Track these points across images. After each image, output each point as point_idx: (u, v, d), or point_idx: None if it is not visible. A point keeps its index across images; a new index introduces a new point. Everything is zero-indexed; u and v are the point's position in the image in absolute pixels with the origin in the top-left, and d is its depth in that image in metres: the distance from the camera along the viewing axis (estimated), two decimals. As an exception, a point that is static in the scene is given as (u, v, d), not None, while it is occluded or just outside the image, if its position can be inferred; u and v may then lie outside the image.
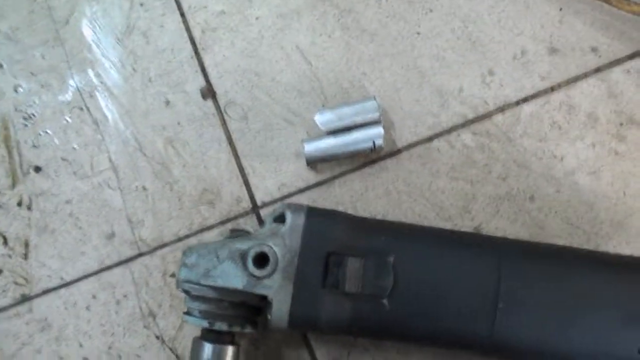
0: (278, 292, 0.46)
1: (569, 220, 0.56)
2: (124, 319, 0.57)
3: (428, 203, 0.57)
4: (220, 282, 0.47)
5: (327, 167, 0.58)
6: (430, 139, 0.58)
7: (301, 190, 0.58)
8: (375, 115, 0.55)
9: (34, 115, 0.60)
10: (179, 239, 0.58)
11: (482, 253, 0.47)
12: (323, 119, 0.55)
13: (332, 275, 0.46)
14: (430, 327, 0.46)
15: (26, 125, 0.60)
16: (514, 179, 0.57)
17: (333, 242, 0.46)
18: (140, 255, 0.58)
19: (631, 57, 0.58)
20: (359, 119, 0.55)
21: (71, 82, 0.61)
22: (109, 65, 0.61)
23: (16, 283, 0.58)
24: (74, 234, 0.58)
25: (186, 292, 0.48)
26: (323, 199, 0.58)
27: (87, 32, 0.61)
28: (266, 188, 0.58)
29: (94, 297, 0.58)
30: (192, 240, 0.58)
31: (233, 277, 0.47)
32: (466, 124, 0.58)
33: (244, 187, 0.58)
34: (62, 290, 0.58)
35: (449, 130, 0.58)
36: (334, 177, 0.58)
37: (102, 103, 0.60)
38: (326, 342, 0.55)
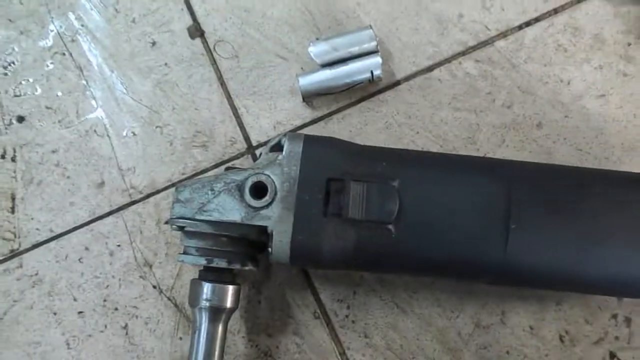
0: (278, 223, 0.43)
1: (578, 146, 0.54)
2: (119, 270, 0.55)
3: (431, 135, 0.55)
4: (216, 216, 0.44)
5: (323, 103, 0.55)
6: (430, 69, 0.55)
7: (298, 128, 0.55)
8: (372, 45, 0.53)
9: (13, 63, 0.57)
10: (172, 185, 0.55)
11: (492, 174, 0.44)
12: (317, 50, 0.53)
13: (333, 203, 0.43)
14: (439, 253, 0.43)
15: (6, 74, 0.57)
16: (519, 106, 0.55)
17: (333, 168, 0.44)
18: (133, 203, 0.55)
19: (637, -26, 0.56)
20: (355, 50, 0.53)
21: (51, 27, 0.58)
22: (90, 7, 0.58)
23: (4, 238, 0.56)
24: (62, 185, 0.56)
25: (181, 229, 0.45)
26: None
27: (65, -26, 0.58)
28: (261, 127, 0.56)
29: (86, 248, 0.55)
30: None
31: (230, 210, 0.44)
32: (467, 51, 0.55)
33: (237, 128, 0.56)
34: (53, 244, 0.55)
35: (449, 59, 0.55)
36: (332, 113, 0.55)
37: (85, 47, 0.57)
38: (330, 283, 0.53)
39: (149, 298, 0.54)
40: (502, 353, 0.52)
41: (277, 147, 0.46)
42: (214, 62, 0.56)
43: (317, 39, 0.55)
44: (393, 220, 0.43)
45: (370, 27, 0.53)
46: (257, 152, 0.55)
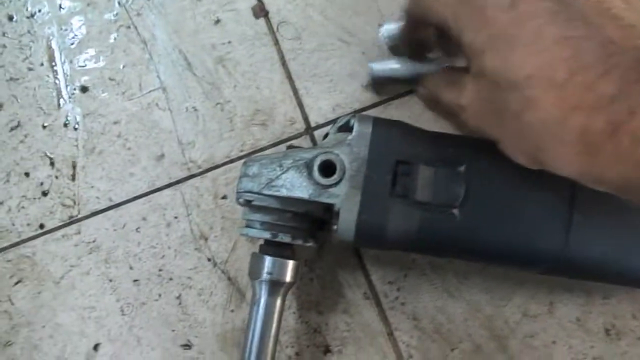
0: (345, 201, 0.44)
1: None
2: (175, 241, 0.56)
3: (488, 125, 0.55)
4: (284, 192, 0.45)
5: (388, 90, 0.56)
6: (490, 59, 0.56)
7: (357, 111, 0.56)
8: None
9: (79, 34, 0.58)
10: (231, 161, 0.56)
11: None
12: (389, 31, 0.53)
13: (400, 184, 0.44)
14: (501, 240, 0.44)
15: (72, 44, 0.58)
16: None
17: (402, 151, 0.45)
18: (191, 177, 0.57)
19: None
20: None
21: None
22: (157, -18, 0.59)
23: (64, 205, 0.57)
24: (122, 155, 0.57)
25: (248, 202, 0.47)
26: (379, 120, 0.56)
27: (133, -52, 0.59)
28: (320, 109, 0.57)
29: (143, 219, 0.56)
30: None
31: (298, 187, 0.45)
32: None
33: (297, 108, 0.57)
34: (111, 212, 0.57)
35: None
36: (391, 99, 0.56)
37: (150, 21, 0.58)
38: (382, 265, 0.54)
39: (203, 270, 0.56)
40: (548, 342, 0.53)
41: (346, 128, 0.47)
42: (276, 43, 0.57)
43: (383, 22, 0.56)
44: (458, 205, 0.44)
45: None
46: (316, 133, 0.56)
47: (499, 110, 0.35)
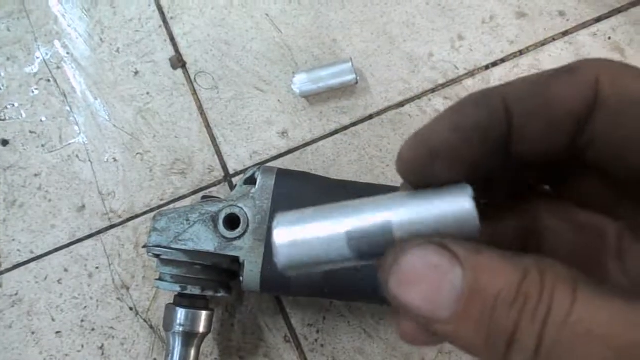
0: (250, 253, 0.45)
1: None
2: (97, 291, 0.57)
3: (400, 168, 0.57)
4: (191, 245, 0.46)
5: (299, 134, 0.58)
6: (401, 104, 0.58)
7: (273, 158, 0.58)
8: (350, 78, 0.55)
9: (0, 88, 0.59)
10: (151, 210, 0.57)
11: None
12: (299, 81, 0.55)
13: (303, 235, 0.46)
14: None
15: (-8, 99, 0.59)
16: (485, 143, 0.57)
17: (304, 202, 0.46)
18: (112, 227, 0.57)
19: (598, 20, 0.59)
20: (334, 82, 0.56)
21: (37, 54, 0.60)
22: (75, 36, 0.60)
23: (-15, 258, 0.57)
24: (43, 207, 0.58)
25: (157, 257, 0.48)
26: (295, 166, 0.57)
27: (53, 3, 0.60)
28: (238, 157, 0.58)
29: (65, 270, 0.57)
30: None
31: (204, 240, 0.46)
32: (437, 88, 0.58)
33: (215, 156, 0.58)
34: (33, 264, 0.57)
35: (419, 96, 0.58)
36: (306, 144, 0.58)
37: (70, 74, 0.59)
38: (301, 308, 0.55)
39: (126, 319, 0.56)
40: (464, 378, 0.55)
41: (251, 180, 0.48)
42: (194, 92, 0.59)
43: (294, 72, 0.58)
44: (359, 253, 0.45)
45: (350, 60, 0.56)
46: (234, 180, 0.57)
47: None
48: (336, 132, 0.58)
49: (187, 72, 0.59)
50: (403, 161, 0.21)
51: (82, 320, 0.56)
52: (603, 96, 0.18)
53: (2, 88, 0.59)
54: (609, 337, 0.15)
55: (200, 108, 0.58)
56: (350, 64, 0.55)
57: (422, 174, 0.21)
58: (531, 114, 0.19)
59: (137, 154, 0.58)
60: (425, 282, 0.18)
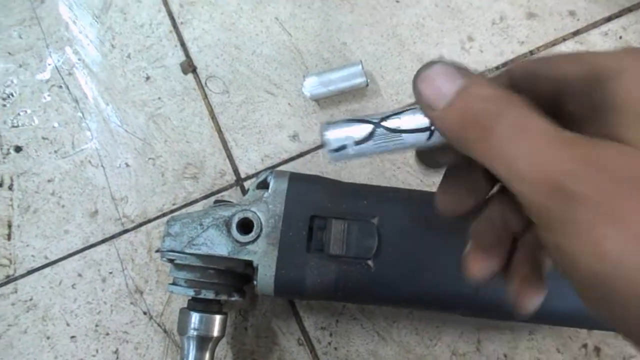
0: (263, 258, 0.46)
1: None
2: (111, 296, 0.57)
3: (412, 170, 0.57)
4: (204, 250, 0.46)
5: (310, 137, 0.58)
6: (412, 106, 0.58)
7: (285, 161, 0.58)
8: (361, 81, 0.55)
9: (12, 94, 0.60)
10: (163, 214, 0.57)
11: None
12: (309, 84, 0.55)
13: (316, 239, 0.46)
14: (415, 288, 0.46)
15: (5, 105, 0.60)
16: (496, 144, 0.57)
17: (316, 206, 0.46)
18: (125, 231, 0.58)
19: (608, 19, 0.59)
20: (345, 85, 0.56)
21: (49, 60, 0.60)
22: (87, 42, 0.60)
23: (0, 264, 0.58)
24: (57, 213, 0.58)
25: (171, 261, 0.48)
26: (307, 169, 0.57)
27: (63, 10, 0.61)
28: (249, 160, 0.58)
29: (79, 275, 0.57)
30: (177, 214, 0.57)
31: (217, 244, 0.46)
32: (447, 90, 0.58)
33: (227, 160, 0.58)
34: (47, 270, 0.57)
35: (430, 97, 0.58)
36: (317, 147, 0.58)
37: (82, 80, 0.60)
38: (314, 311, 0.56)
39: (139, 324, 0.56)
40: (478, 380, 0.55)
41: (264, 184, 0.48)
42: (205, 97, 0.59)
43: (304, 76, 0.58)
44: (372, 256, 0.45)
45: (360, 63, 0.56)
46: (245, 184, 0.58)
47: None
48: (347, 134, 0.58)
49: (198, 76, 0.59)
50: None
51: (97, 325, 0.56)
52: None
53: (14, 95, 0.60)
54: (533, 141, 0.22)
55: (211, 112, 0.59)
56: (360, 66, 0.55)
57: None
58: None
59: (149, 158, 0.58)
60: (438, 79, 0.26)
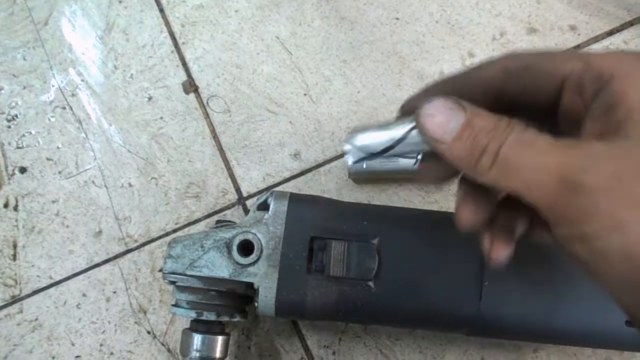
0: (264, 279, 0.46)
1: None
2: (115, 315, 0.57)
3: (413, 187, 0.57)
4: (206, 272, 0.47)
5: (311, 156, 0.58)
6: (413, 123, 0.58)
7: (286, 180, 0.58)
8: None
9: (17, 116, 0.60)
10: (166, 234, 0.58)
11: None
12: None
13: (316, 260, 0.46)
14: (416, 308, 0.46)
15: (9, 127, 0.60)
16: (498, 160, 0.57)
17: (316, 227, 0.46)
18: (129, 251, 0.58)
19: (610, 33, 0.58)
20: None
21: (53, 82, 0.61)
22: (90, 63, 0.61)
23: (5, 285, 0.58)
24: (61, 233, 0.58)
25: (173, 283, 0.48)
26: (308, 187, 0.58)
27: (67, 31, 0.62)
28: (251, 179, 0.58)
29: (83, 295, 0.58)
30: (179, 235, 0.58)
31: (219, 267, 0.47)
32: (448, 106, 0.58)
33: (229, 179, 0.58)
34: (52, 290, 0.58)
35: (431, 114, 0.58)
36: (319, 165, 0.58)
37: (85, 101, 0.60)
38: (317, 330, 0.56)
39: (143, 343, 0.57)
40: (482, 398, 0.54)
41: (264, 206, 0.49)
42: (207, 116, 0.59)
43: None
44: (372, 277, 0.45)
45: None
46: (248, 202, 0.58)
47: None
48: (348, 152, 0.58)
49: (200, 96, 0.60)
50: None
51: (101, 345, 0.57)
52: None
53: (19, 116, 0.60)
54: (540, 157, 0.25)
55: (213, 132, 0.59)
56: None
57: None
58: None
59: (152, 178, 0.59)
60: (442, 115, 0.28)
